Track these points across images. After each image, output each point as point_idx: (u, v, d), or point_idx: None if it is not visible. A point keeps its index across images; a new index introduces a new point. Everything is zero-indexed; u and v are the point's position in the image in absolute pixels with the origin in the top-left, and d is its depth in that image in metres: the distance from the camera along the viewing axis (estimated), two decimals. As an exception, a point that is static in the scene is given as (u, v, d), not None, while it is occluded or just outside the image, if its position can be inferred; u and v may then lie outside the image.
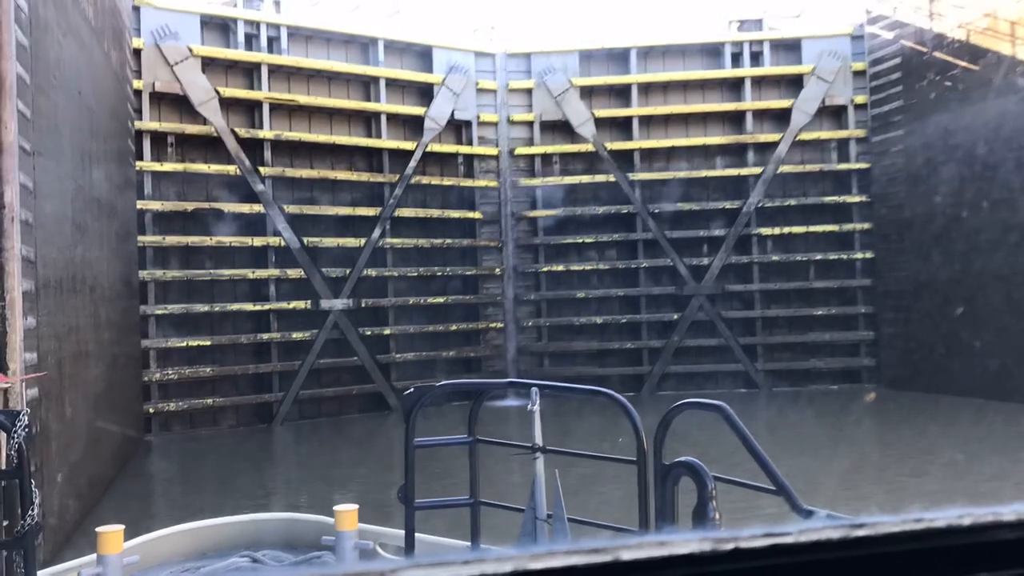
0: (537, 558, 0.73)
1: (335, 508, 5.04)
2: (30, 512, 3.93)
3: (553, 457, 4.42)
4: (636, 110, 22.43)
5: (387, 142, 20.82)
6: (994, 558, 0.82)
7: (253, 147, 19.30)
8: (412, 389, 4.60)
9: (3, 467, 6.25)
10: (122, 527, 4.57)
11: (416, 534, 4.59)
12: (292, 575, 3.45)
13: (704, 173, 22.51)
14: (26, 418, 3.97)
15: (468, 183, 22.07)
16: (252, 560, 5.13)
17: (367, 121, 21.14)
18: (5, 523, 7.06)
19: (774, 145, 22.27)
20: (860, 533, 0.79)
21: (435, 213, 21.59)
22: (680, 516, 3.59)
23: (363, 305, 20.15)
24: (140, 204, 17.56)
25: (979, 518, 0.82)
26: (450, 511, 4.88)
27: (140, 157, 17.82)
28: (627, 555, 0.75)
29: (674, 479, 3.54)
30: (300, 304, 19.38)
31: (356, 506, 5.02)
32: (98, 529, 4.55)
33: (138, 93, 17.83)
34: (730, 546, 0.77)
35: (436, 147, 21.53)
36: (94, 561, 4.49)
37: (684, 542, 0.77)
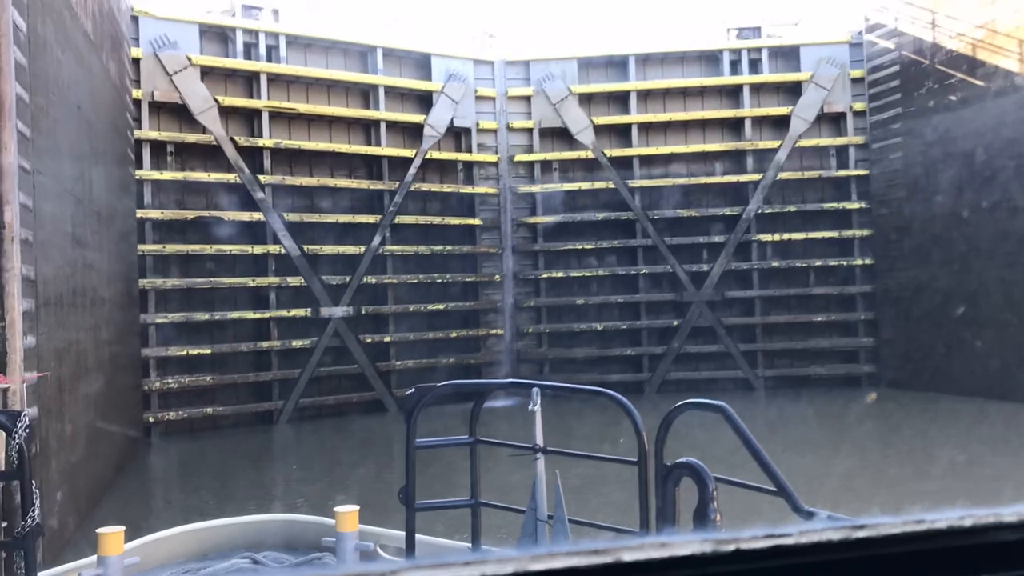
0: (538, 559, 0.74)
1: (335, 509, 5.02)
2: (31, 513, 3.93)
3: (554, 458, 4.42)
4: (635, 117, 22.44)
5: (386, 149, 20.86)
6: (996, 559, 0.83)
7: (252, 155, 19.33)
8: (413, 389, 4.61)
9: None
10: (123, 528, 4.56)
11: (417, 535, 4.60)
12: None
13: (703, 179, 22.54)
14: (27, 418, 3.98)
15: (468, 190, 22.10)
16: (253, 561, 5.12)
17: (366, 129, 21.17)
18: (4, 524, 7.08)
19: (773, 152, 22.29)
20: (861, 534, 0.80)
21: (435, 220, 21.61)
22: (681, 517, 3.59)
23: (363, 312, 20.18)
24: (140, 213, 17.58)
25: (980, 519, 0.82)
26: (451, 512, 4.87)
27: (140, 166, 17.84)
28: (628, 556, 0.76)
29: (675, 480, 3.56)
30: (300, 312, 19.41)
31: (356, 507, 5.00)
32: (99, 530, 4.53)
33: (137, 102, 17.86)
34: (731, 547, 0.78)
35: (435, 154, 21.56)
36: (95, 563, 4.48)
37: (685, 543, 0.78)
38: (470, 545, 4.69)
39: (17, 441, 3.89)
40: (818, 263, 22.09)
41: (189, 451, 16.95)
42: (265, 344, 19.01)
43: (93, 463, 11.56)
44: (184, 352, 17.91)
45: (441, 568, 0.73)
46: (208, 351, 18.24)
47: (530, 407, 4.32)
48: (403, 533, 4.67)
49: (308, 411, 19.46)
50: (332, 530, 5.02)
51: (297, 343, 19.31)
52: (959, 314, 18.57)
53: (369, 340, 20.27)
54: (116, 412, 13.81)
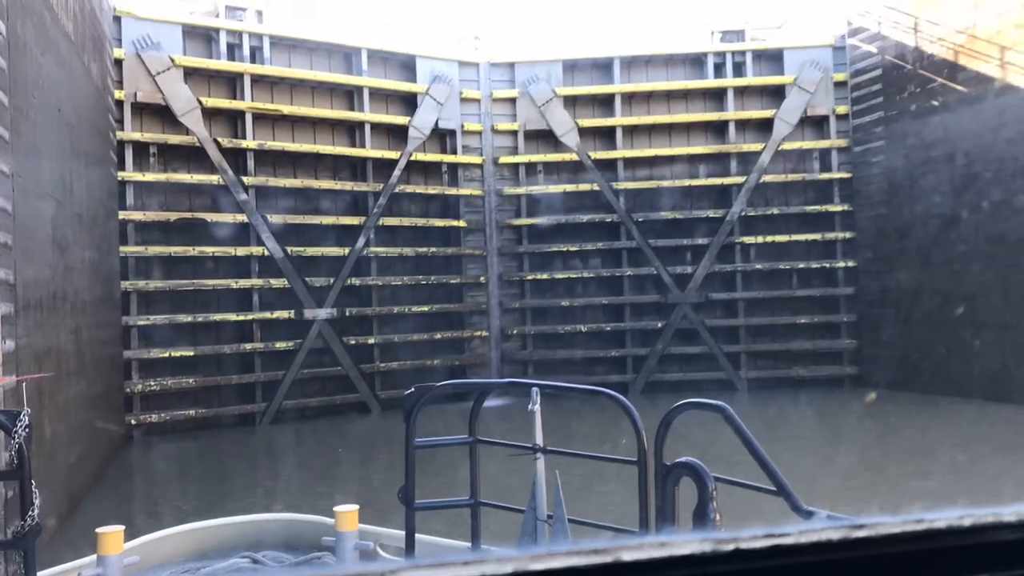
0: (538, 559, 0.74)
1: (335, 509, 5.01)
2: (30, 513, 3.91)
3: (553, 458, 4.42)
4: (619, 119, 22.49)
5: (371, 151, 20.82)
6: (995, 559, 0.83)
7: (236, 157, 19.25)
8: (413, 389, 4.58)
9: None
10: (122, 527, 4.53)
11: (416, 535, 4.59)
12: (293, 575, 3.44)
13: (687, 182, 22.60)
14: (27, 418, 3.96)
15: (452, 192, 22.09)
16: (253, 561, 5.11)
17: (351, 130, 21.13)
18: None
19: (756, 154, 22.39)
20: (861, 534, 0.80)
21: (419, 222, 21.59)
22: (681, 517, 3.59)
23: (347, 314, 20.13)
24: (122, 215, 17.49)
25: (980, 519, 0.83)
26: (450, 512, 4.87)
27: (122, 167, 17.75)
28: (628, 556, 0.76)
29: (675, 480, 3.56)
30: (284, 314, 19.35)
31: (356, 507, 4.99)
32: (98, 530, 4.51)
33: (119, 104, 17.76)
34: (731, 547, 0.78)
35: (420, 156, 21.53)
36: (94, 562, 4.47)
37: (685, 543, 0.78)
38: (470, 544, 4.69)
39: (17, 441, 3.89)
40: (801, 265, 22.20)
41: (171, 453, 16.86)
42: (248, 346, 18.95)
43: (74, 466, 11.49)
44: (167, 354, 17.82)
45: (441, 567, 0.73)
46: (191, 353, 18.15)
47: (530, 407, 4.31)
48: (403, 532, 4.66)
49: (291, 413, 19.40)
50: (332, 529, 5.01)
51: (280, 345, 19.26)
52: (958, 315, 18.64)
53: (353, 342, 20.23)
54: (98, 415, 13.73)
